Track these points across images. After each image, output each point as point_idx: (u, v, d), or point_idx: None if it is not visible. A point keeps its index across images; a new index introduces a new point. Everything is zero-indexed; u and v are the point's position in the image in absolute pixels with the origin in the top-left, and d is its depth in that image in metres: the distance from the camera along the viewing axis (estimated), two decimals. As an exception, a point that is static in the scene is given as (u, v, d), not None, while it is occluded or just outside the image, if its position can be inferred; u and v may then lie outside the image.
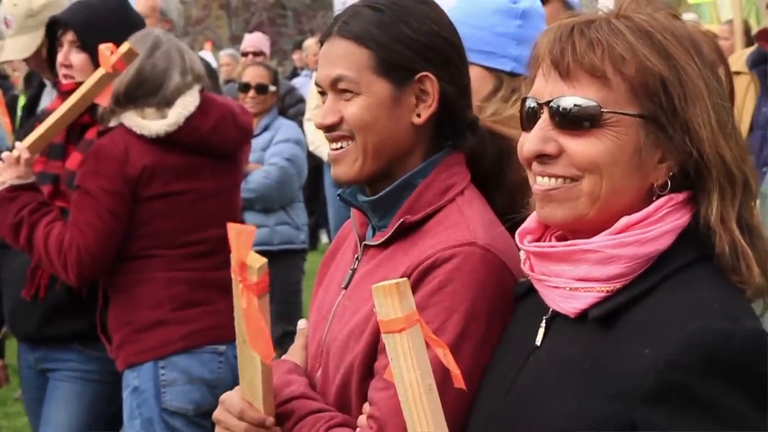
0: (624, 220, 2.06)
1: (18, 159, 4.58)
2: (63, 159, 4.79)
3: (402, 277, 2.31)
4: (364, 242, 2.67)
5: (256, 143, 7.86)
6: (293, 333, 2.90)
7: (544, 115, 2.11)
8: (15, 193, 4.59)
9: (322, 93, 2.63)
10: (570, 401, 2.02)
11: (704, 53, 2.09)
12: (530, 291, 2.25)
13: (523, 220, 2.29)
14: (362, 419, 2.45)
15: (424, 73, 2.57)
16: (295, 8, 30.91)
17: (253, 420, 2.54)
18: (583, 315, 2.08)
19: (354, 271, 2.67)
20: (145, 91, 4.62)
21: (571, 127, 2.07)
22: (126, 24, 4.83)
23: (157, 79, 4.63)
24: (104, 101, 4.61)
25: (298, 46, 17.73)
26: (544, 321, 2.20)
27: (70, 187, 4.70)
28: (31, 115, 5.36)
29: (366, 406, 2.46)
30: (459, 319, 2.38)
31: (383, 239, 2.59)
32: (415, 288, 2.37)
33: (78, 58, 4.84)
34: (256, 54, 12.90)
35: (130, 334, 4.66)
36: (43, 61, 5.19)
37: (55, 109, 4.69)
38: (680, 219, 2.07)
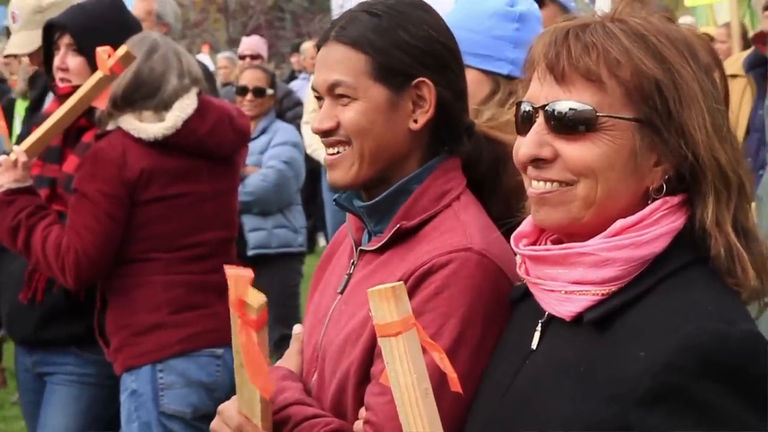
0: (619, 223, 2.06)
1: (15, 162, 4.58)
2: (60, 162, 4.78)
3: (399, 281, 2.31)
4: (360, 247, 2.67)
5: (254, 146, 7.87)
6: (290, 336, 2.90)
7: (540, 120, 2.11)
8: (12, 196, 4.58)
9: (319, 98, 2.63)
10: (566, 404, 2.03)
11: (699, 56, 2.10)
12: (526, 295, 2.25)
13: (519, 224, 2.29)
14: (359, 424, 2.45)
15: (421, 79, 2.57)
16: (293, 11, 30.93)
17: None
18: (578, 318, 2.08)
19: (350, 276, 2.67)
20: (143, 94, 4.62)
21: (567, 132, 2.07)
22: (123, 27, 4.83)
23: (154, 82, 4.63)
24: (102, 104, 4.61)
25: (296, 49, 17.72)
26: (539, 324, 2.20)
27: (67, 190, 4.70)
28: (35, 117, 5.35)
29: (362, 411, 2.46)
30: (455, 325, 2.38)
31: (379, 244, 2.59)
32: (411, 293, 2.37)
33: (75, 61, 4.83)
34: (253, 57, 12.89)
35: (128, 338, 4.65)
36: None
37: (53, 113, 4.69)
38: (675, 222, 2.07)
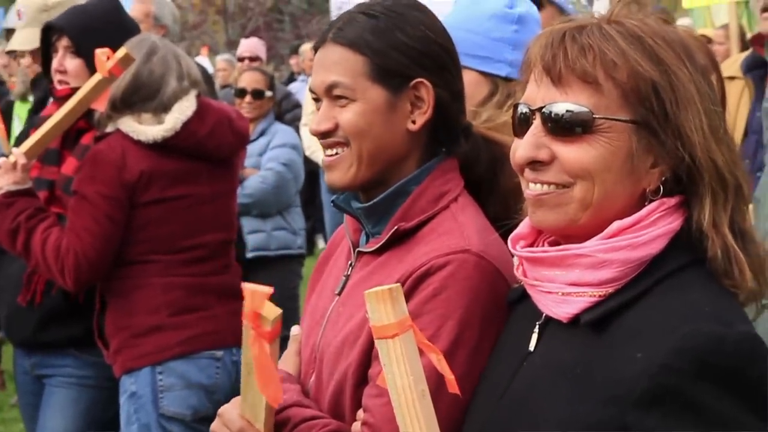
0: (616, 225, 2.06)
1: (15, 165, 4.58)
2: (58, 164, 4.78)
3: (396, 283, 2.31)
4: (357, 249, 2.67)
5: (253, 148, 7.87)
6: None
7: (537, 122, 2.11)
8: (12, 198, 4.58)
9: (317, 99, 2.63)
10: (563, 406, 2.03)
11: (696, 58, 2.10)
12: (523, 297, 2.26)
13: (517, 225, 2.29)
14: (356, 426, 2.45)
15: (419, 80, 2.57)
16: (291, 13, 30.93)
17: None
18: (575, 320, 2.08)
19: (347, 277, 2.67)
20: (142, 96, 4.62)
21: (564, 133, 2.07)
22: (121, 29, 4.83)
23: (153, 84, 4.63)
24: (101, 106, 4.61)
25: (295, 51, 17.71)
26: (537, 326, 2.20)
27: (66, 192, 4.69)
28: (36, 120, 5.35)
29: (360, 413, 2.46)
30: (453, 326, 2.38)
31: (377, 246, 2.59)
32: (409, 295, 2.37)
33: (73, 63, 4.84)
34: (252, 59, 12.89)
35: (128, 339, 4.65)
36: None
37: (51, 115, 4.69)
38: (672, 223, 2.07)
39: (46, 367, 4.95)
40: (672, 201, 2.09)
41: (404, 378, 2.02)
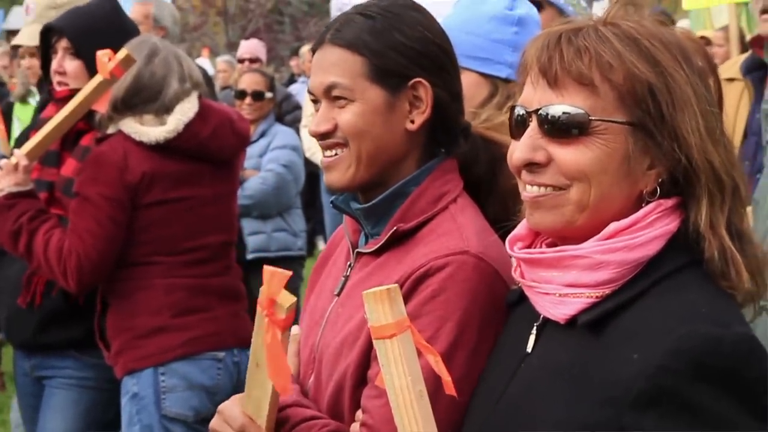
0: (613, 226, 2.06)
1: (16, 166, 4.58)
2: (58, 166, 4.78)
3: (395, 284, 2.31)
4: (356, 249, 2.67)
5: (253, 150, 7.86)
6: (289, 339, 2.90)
7: (533, 124, 2.11)
8: (14, 200, 4.58)
9: (315, 101, 2.63)
10: (560, 407, 2.03)
11: (692, 60, 2.10)
12: (522, 298, 2.26)
13: (515, 227, 2.29)
14: (355, 427, 2.45)
15: (417, 80, 2.57)
16: (292, 15, 30.92)
17: None
18: (572, 321, 2.08)
19: (347, 278, 2.67)
20: (144, 98, 4.62)
21: (560, 135, 2.07)
22: (120, 31, 4.83)
23: (155, 86, 4.63)
24: (102, 108, 4.61)
25: (295, 52, 17.72)
26: (534, 328, 2.20)
27: (66, 194, 4.69)
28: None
29: (359, 414, 2.46)
30: (452, 328, 2.38)
31: (376, 247, 2.59)
32: (408, 297, 2.38)
33: (72, 65, 4.84)
34: (252, 61, 12.89)
35: (130, 341, 4.65)
36: None
37: (51, 117, 4.70)
38: (669, 225, 2.08)
39: (46, 368, 4.95)
40: (669, 202, 2.09)
41: (402, 378, 2.02)
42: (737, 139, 5.92)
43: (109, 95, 4.57)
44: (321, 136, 2.60)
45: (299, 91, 13.21)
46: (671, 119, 2.05)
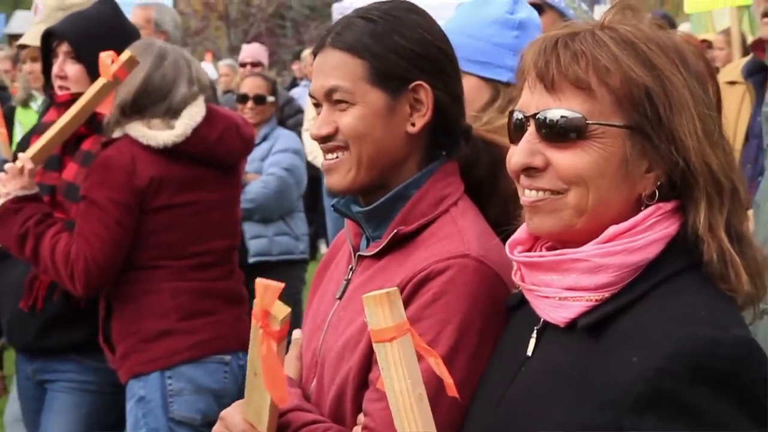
0: (612, 230, 2.06)
1: (22, 170, 4.58)
2: (59, 170, 4.78)
3: (396, 288, 2.31)
4: (358, 253, 2.67)
5: (255, 153, 7.84)
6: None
7: (531, 128, 2.11)
8: (20, 204, 4.57)
9: (317, 104, 2.63)
10: (560, 410, 2.03)
11: (690, 63, 2.10)
12: (522, 302, 2.26)
13: (516, 230, 2.29)
14: (357, 430, 2.45)
15: (418, 82, 2.57)
16: (293, 19, 30.92)
17: None
18: (572, 324, 2.08)
19: (348, 281, 2.67)
20: (153, 101, 4.61)
21: (558, 139, 2.07)
22: (121, 35, 4.83)
23: (165, 88, 4.63)
24: (106, 110, 4.61)
25: (297, 56, 17.73)
26: (535, 331, 2.20)
27: (68, 198, 4.70)
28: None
29: (361, 417, 2.46)
30: (453, 331, 2.38)
31: (377, 250, 2.59)
32: (409, 300, 2.38)
33: (73, 69, 4.84)
34: (254, 65, 12.89)
35: (137, 344, 4.64)
36: None
37: (52, 121, 4.70)
38: (669, 228, 2.08)
39: (48, 372, 4.95)
40: (668, 206, 2.09)
41: (402, 382, 2.02)
42: (739, 142, 5.92)
43: (114, 98, 4.57)
44: (322, 139, 2.60)
45: (301, 94, 13.21)
46: (668, 122, 2.05)
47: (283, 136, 8.44)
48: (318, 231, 13.61)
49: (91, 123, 4.70)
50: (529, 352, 2.20)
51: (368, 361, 2.48)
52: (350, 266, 2.70)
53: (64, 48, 4.85)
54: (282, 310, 2.31)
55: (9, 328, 5.02)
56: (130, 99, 4.58)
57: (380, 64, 2.55)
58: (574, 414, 2.00)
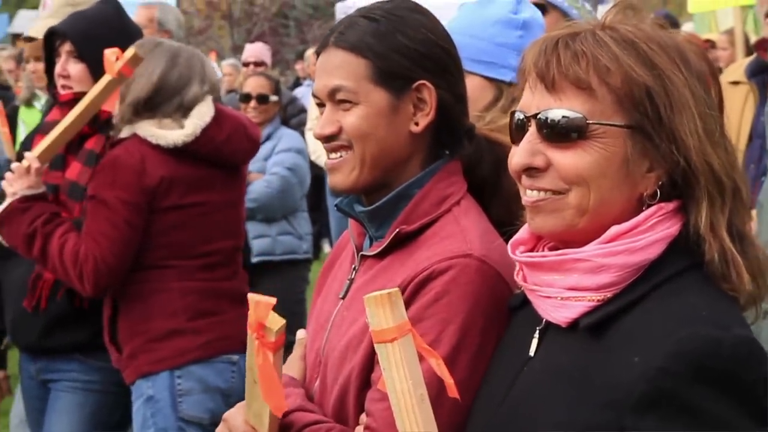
0: (614, 230, 2.06)
1: (28, 169, 4.57)
2: (63, 169, 4.77)
3: (398, 288, 2.31)
4: (361, 252, 2.67)
5: (258, 153, 7.85)
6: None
7: (532, 128, 2.11)
8: (27, 203, 4.57)
9: (320, 104, 2.63)
10: (562, 410, 2.03)
11: (691, 62, 2.10)
12: (525, 302, 2.26)
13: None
14: (359, 430, 2.45)
15: (421, 82, 2.57)
16: (297, 18, 30.92)
17: None
18: (574, 324, 2.08)
19: (351, 281, 2.67)
20: (167, 99, 4.61)
21: (558, 140, 2.07)
22: (123, 33, 4.83)
23: (179, 87, 4.63)
24: (111, 107, 4.61)
25: (300, 56, 17.73)
26: (537, 331, 2.20)
27: (71, 197, 4.69)
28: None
29: (363, 417, 2.46)
30: (455, 331, 2.38)
31: (379, 249, 2.59)
32: (411, 300, 2.38)
33: (76, 68, 4.84)
34: (257, 64, 12.89)
35: (145, 344, 4.64)
36: None
37: (55, 120, 4.70)
38: (671, 228, 2.08)
39: (52, 371, 4.95)
40: (670, 206, 2.09)
41: (403, 382, 2.02)
42: (742, 142, 5.93)
43: (121, 96, 4.56)
44: (326, 139, 2.60)
45: (304, 94, 13.20)
46: (669, 122, 2.05)
47: (287, 136, 8.44)
48: (321, 230, 13.61)
49: (95, 122, 4.70)
50: (532, 353, 2.20)
51: (370, 360, 2.48)
52: (353, 266, 2.70)
53: (66, 47, 4.85)
54: (276, 322, 2.31)
55: (12, 328, 5.03)
56: (144, 97, 4.58)
57: (383, 63, 2.55)
58: (575, 414, 2.00)
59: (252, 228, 7.83)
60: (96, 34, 4.78)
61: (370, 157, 2.56)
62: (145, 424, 4.67)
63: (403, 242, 2.56)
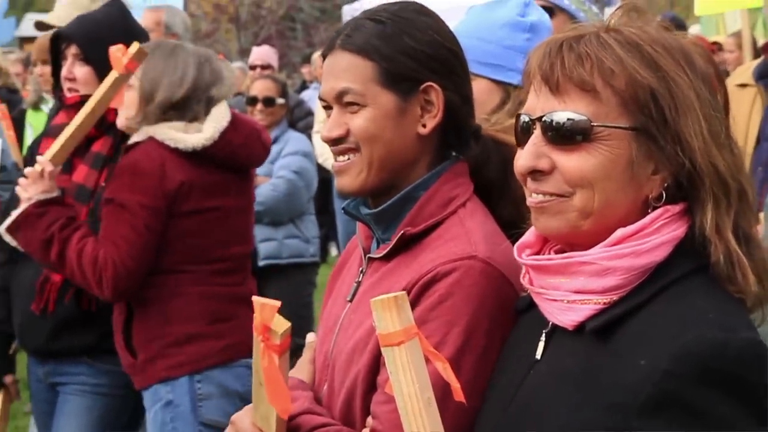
0: (619, 232, 2.06)
1: (42, 173, 4.56)
2: (69, 172, 4.76)
3: (403, 290, 2.31)
4: (368, 255, 2.67)
5: (265, 156, 7.86)
6: (304, 346, 2.90)
7: (537, 131, 2.11)
8: (43, 208, 4.55)
9: (327, 107, 2.63)
10: (568, 413, 2.03)
11: (696, 64, 2.10)
12: (531, 305, 2.25)
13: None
14: (365, 432, 2.46)
15: (428, 84, 2.57)
16: (304, 21, 30.92)
17: None
18: (580, 327, 2.08)
19: (359, 284, 2.67)
20: (196, 101, 4.62)
21: (563, 142, 2.07)
22: (129, 36, 4.81)
23: (208, 91, 4.64)
24: (119, 104, 4.60)
25: (307, 59, 17.73)
26: (543, 335, 2.20)
27: (78, 200, 4.69)
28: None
29: (369, 420, 2.46)
30: (459, 333, 2.38)
31: (385, 252, 2.59)
32: (415, 302, 2.38)
33: (82, 71, 4.84)
34: (264, 67, 12.87)
35: (164, 348, 4.62)
36: None
37: (62, 124, 4.70)
38: (677, 230, 2.07)
39: (60, 375, 4.95)
40: (676, 208, 2.09)
41: (410, 386, 2.02)
42: (750, 145, 5.91)
43: (158, 97, 4.55)
44: (333, 142, 2.60)
45: (311, 97, 13.21)
46: (674, 123, 2.05)
47: (294, 139, 8.44)
48: (329, 234, 13.61)
49: (101, 124, 4.70)
50: (538, 356, 2.20)
51: (376, 363, 2.48)
52: (361, 268, 2.70)
53: (72, 50, 4.85)
54: (282, 325, 2.31)
55: (20, 331, 5.02)
56: (179, 97, 4.58)
57: (390, 65, 2.55)
58: (581, 416, 2.00)
59: (259, 231, 7.82)
60: (101, 36, 4.77)
61: (378, 159, 2.56)
62: (164, 429, 4.65)
63: (408, 244, 2.56)
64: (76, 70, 4.84)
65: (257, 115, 8.16)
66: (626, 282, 2.05)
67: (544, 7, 3.79)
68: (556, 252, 2.20)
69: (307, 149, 8.52)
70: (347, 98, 2.57)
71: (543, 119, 2.10)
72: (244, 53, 24.95)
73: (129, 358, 4.67)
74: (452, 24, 2.79)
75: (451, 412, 2.21)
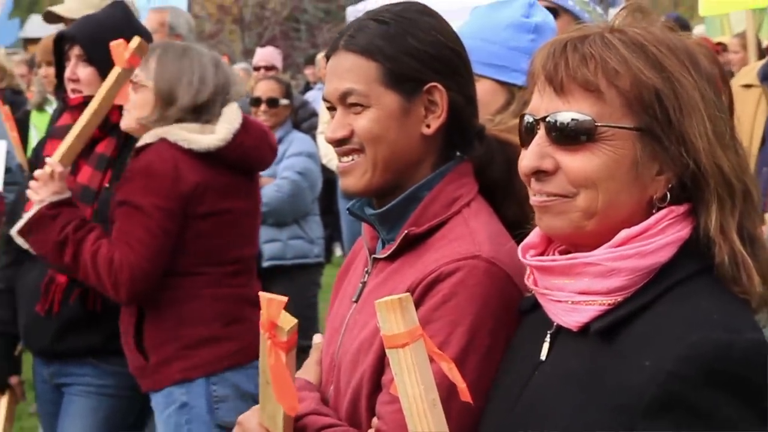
0: (624, 233, 2.06)
1: (52, 174, 4.55)
2: (74, 173, 4.76)
3: (407, 290, 2.31)
4: (373, 255, 2.67)
5: (269, 156, 7.86)
6: (309, 347, 2.90)
7: (541, 131, 2.11)
8: (56, 210, 4.53)
9: (331, 108, 2.63)
10: (573, 415, 2.02)
11: (701, 65, 2.09)
12: (536, 306, 2.25)
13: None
14: (370, 432, 2.46)
15: (432, 84, 2.57)
16: (308, 22, 30.94)
17: None
18: (585, 328, 2.08)
19: (364, 284, 2.68)
20: (215, 103, 4.62)
21: (567, 142, 2.07)
22: (131, 37, 4.83)
23: (223, 93, 4.65)
24: (123, 100, 4.60)
25: (311, 60, 17.73)
26: (548, 335, 2.20)
27: (82, 201, 4.68)
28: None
29: (374, 420, 2.46)
30: (463, 333, 2.38)
31: (390, 252, 2.59)
32: (419, 302, 2.38)
33: (85, 71, 4.84)
34: (268, 68, 12.89)
35: (179, 351, 4.60)
36: None
37: (66, 125, 4.70)
38: (681, 231, 2.07)
39: (65, 375, 4.94)
40: (681, 209, 2.08)
41: (415, 387, 2.02)
42: (755, 145, 5.89)
43: (180, 100, 4.55)
44: (337, 143, 2.60)
45: (315, 98, 13.22)
46: (678, 124, 2.04)
47: (298, 140, 8.44)
48: (333, 234, 13.62)
49: (105, 125, 4.70)
50: (543, 356, 2.19)
51: (381, 363, 2.48)
52: (366, 269, 2.70)
53: (75, 51, 4.85)
54: (288, 321, 2.31)
55: (25, 332, 5.02)
56: (204, 100, 4.59)
57: (394, 66, 2.55)
58: (586, 418, 2.00)
59: (263, 232, 7.80)
60: (105, 37, 4.76)
61: (382, 160, 2.56)
62: (179, 431, 4.65)
63: (413, 244, 2.56)
64: (79, 71, 4.84)
65: (261, 116, 8.16)
66: (631, 283, 2.05)
67: (549, 8, 3.79)
68: (561, 253, 2.20)
69: (311, 150, 8.52)
70: (351, 99, 2.57)
71: (547, 119, 2.09)
72: (248, 54, 24.98)
73: (140, 360, 4.66)
74: (456, 25, 2.79)
75: (456, 413, 2.20)
